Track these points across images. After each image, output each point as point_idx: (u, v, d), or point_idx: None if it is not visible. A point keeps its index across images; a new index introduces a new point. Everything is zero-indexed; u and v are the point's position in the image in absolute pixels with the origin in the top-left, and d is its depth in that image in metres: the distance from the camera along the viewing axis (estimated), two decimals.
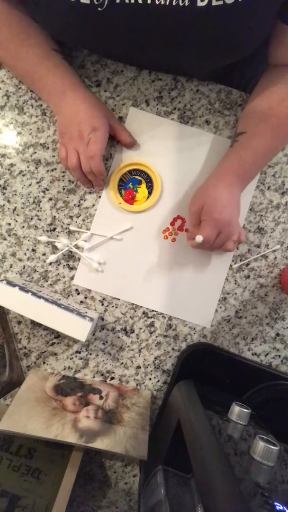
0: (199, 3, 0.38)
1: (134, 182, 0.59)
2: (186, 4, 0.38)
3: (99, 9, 0.40)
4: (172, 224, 0.60)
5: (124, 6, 0.40)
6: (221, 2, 0.38)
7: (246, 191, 0.59)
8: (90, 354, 0.61)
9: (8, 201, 0.60)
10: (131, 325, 0.61)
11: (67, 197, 0.60)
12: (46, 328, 0.60)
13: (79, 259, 0.60)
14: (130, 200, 0.59)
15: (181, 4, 0.39)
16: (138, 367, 0.61)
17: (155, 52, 0.48)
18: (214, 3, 0.38)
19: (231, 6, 0.38)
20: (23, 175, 0.60)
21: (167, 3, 0.39)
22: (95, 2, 0.40)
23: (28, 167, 0.60)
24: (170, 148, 0.59)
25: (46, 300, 0.51)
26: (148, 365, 0.61)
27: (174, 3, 0.39)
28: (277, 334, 0.61)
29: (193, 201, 0.54)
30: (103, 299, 0.61)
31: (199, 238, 0.50)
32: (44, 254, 0.60)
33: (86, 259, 0.59)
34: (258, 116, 0.53)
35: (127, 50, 0.50)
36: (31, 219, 0.60)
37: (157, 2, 0.39)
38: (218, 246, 0.54)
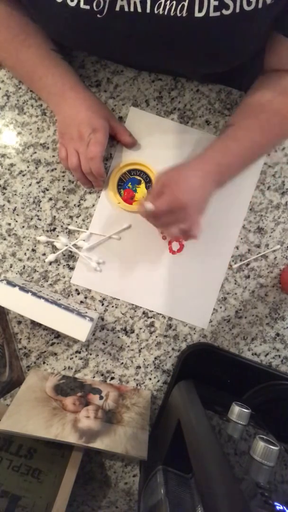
0: (197, 14, 0.39)
1: (133, 182, 0.59)
2: (184, 14, 0.39)
3: (98, 16, 0.40)
4: None
5: (123, 14, 0.40)
6: (218, 13, 0.38)
7: (246, 191, 0.60)
8: (90, 354, 0.61)
9: (8, 201, 0.60)
10: (131, 325, 0.61)
11: (67, 197, 0.60)
12: (46, 328, 0.60)
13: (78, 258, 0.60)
14: (129, 200, 0.59)
15: (178, 14, 0.39)
16: (138, 367, 0.61)
17: (153, 59, 0.49)
18: (211, 14, 0.38)
19: (229, 17, 0.39)
20: (23, 175, 0.60)
21: (165, 13, 0.39)
22: (95, 9, 0.40)
23: (28, 167, 0.60)
24: (169, 149, 0.59)
25: (46, 300, 0.51)
26: (148, 365, 0.61)
27: (172, 13, 0.39)
28: (277, 334, 0.61)
29: (164, 172, 0.51)
30: (103, 299, 0.61)
31: (148, 205, 0.47)
32: (44, 254, 0.60)
33: (85, 259, 0.59)
34: (248, 111, 0.52)
35: (125, 55, 0.50)
36: (31, 219, 0.60)
37: (155, 12, 0.40)
38: (162, 225, 0.51)
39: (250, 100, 0.53)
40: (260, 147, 0.53)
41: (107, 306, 0.61)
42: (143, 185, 0.59)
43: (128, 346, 0.61)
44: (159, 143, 0.59)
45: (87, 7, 0.40)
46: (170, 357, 0.61)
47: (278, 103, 0.50)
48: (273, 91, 0.51)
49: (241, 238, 0.60)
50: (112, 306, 0.61)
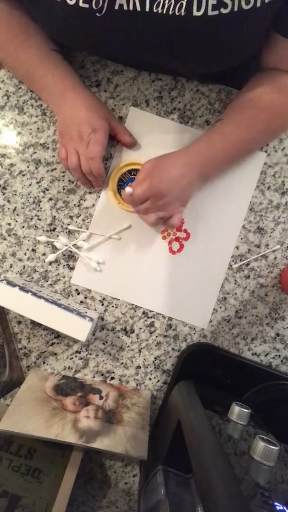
0: (195, 13, 0.39)
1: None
2: (183, 13, 0.39)
3: (97, 14, 0.40)
4: None
5: (122, 13, 0.40)
6: (216, 12, 0.38)
7: (246, 191, 0.59)
8: (90, 354, 0.61)
9: (8, 201, 0.60)
10: (131, 325, 0.61)
11: (67, 197, 0.60)
12: (46, 328, 0.60)
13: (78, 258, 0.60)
14: None
15: (177, 13, 0.39)
16: (138, 367, 0.61)
17: (152, 57, 0.49)
18: (210, 13, 0.39)
19: (227, 15, 0.39)
20: (23, 175, 0.60)
21: (164, 12, 0.40)
22: (94, 8, 0.40)
23: (28, 167, 0.60)
24: (170, 149, 0.59)
25: (46, 300, 0.51)
26: (148, 365, 0.61)
27: (170, 12, 0.39)
28: (277, 334, 0.61)
29: (150, 159, 0.52)
30: (103, 299, 0.61)
31: (128, 189, 0.50)
32: (44, 254, 0.60)
33: (85, 259, 0.59)
34: (237, 106, 0.53)
35: (125, 54, 0.50)
36: (31, 219, 0.60)
37: (154, 10, 0.40)
38: (141, 211, 0.53)
39: (242, 96, 0.53)
40: (246, 143, 0.54)
41: (107, 306, 0.61)
42: None
43: (128, 346, 0.61)
44: (159, 143, 0.59)
45: (86, 5, 0.40)
46: (170, 357, 0.61)
47: (268, 101, 0.51)
48: (266, 88, 0.51)
49: (241, 238, 0.60)
50: (112, 306, 0.61)
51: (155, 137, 0.59)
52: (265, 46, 0.50)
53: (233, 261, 0.60)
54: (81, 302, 0.61)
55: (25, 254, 0.60)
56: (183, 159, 0.51)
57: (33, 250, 0.60)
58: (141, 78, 0.59)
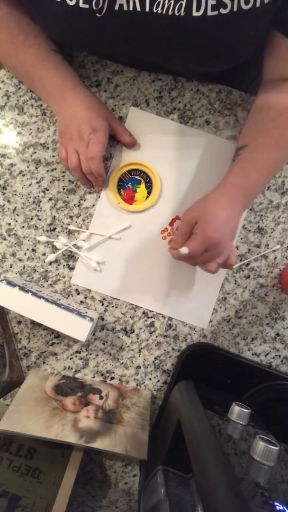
0: (195, 13, 0.39)
1: (133, 182, 0.59)
2: (182, 13, 0.39)
3: (97, 15, 0.40)
4: (170, 224, 0.60)
5: (123, 13, 0.40)
6: (216, 13, 0.39)
7: None
8: (90, 354, 0.61)
9: (8, 201, 0.60)
10: (131, 325, 0.61)
11: (67, 197, 0.60)
12: (46, 328, 0.60)
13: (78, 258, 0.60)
14: (129, 200, 0.59)
15: (177, 13, 0.39)
16: (138, 367, 0.61)
17: (152, 57, 0.49)
18: (209, 13, 0.39)
19: (226, 15, 0.39)
20: (23, 175, 0.60)
21: (164, 12, 0.40)
22: (94, 8, 0.40)
23: (28, 167, 0.60)
24: (170, 149, 0.59)
25: (46, 300, 0.51)
26: (148, 365, 0.61)
27: (170, 12, 0.39)
28: (277, 334, 0.61)
29: (190, 210, 0.50)
30: (103, 299, 0.61)
31: (184, 250, 0.46)
32: (44, 254, 0.60)
33: (85, 259, 0.59)
34: (259, 129, 0.51)
35: (125, 54, 0.50)
36: (31, 219, 0.60)
37: (154, 11, 0.40)
38: (200, 263, 0.50)
39: (258, 117, 0.52)
40: (278, 162, 0.52)
41: (107, 306, 0.61)
42: (143, 185, 0.59)
43: (128, 346, 0.61)
44: (159, 143, 0.59)
45: (86, 6, 0.40)
46: (170, 357, 0.61)
47: None
48: (281, 104, 0.50)
49: (241, 238, 0.60)
50: (112, 306, 0.61)
51: (155, 137, 0.59)
52: (269, 53, 0.49)
53: None
54: (81, 302, 0.61)
55: (25, 254, 0.60)
56: (226, 200, 0.48)
57: (33, 250, 0.60)
58: (141, 78, 0.59)
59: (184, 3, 0.38)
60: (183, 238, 0.49)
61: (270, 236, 0.60)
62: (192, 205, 0.51)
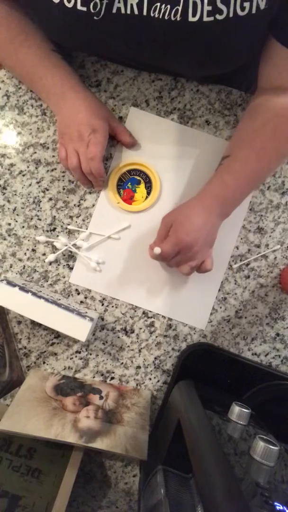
0: (191, 18, 0.39)
1: (133, 182, 0.59)
2: (178, 18, 0.39)
3: (95, 18, 0.41)
4: None
5: (120, 17, 0.40)
6: (212, 18, 0.39)
7: None
8: (90, 354, 0.61)
9: (8, 201, 0.60)
10: (131, 325, 0.61)
11: (67, 197, 0.60)
12: (46, 328, 0.60)
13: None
14: (129, 200, 0.59)
15: (173, 18, 0.40)
16: (138, 367, 0.61)
17: (150, 60, 0.49)
18: (205, 19, 0.39)
19: (222, 21, 0.39)
20: (23, 175, 0.60)
21: (161, 16, 0.40)
22: (92, 11, 0.40)
23: (28, 167, 0.60)
24: (169, 149, 0.59)
25: (46, 300, 0.51)
26: (148, 365, 0.61)
27: (166, 17, 0.40)
28: (277, 334, 0.61)
29: (169, 213, 0.53)
30: (103, 299, 0.61)
31: (157, 250, 0.50)
32: (44, 254, 0.60)
33: (84, 259, 0.59)
34: (242, 139, 0.52)
35: (123, 56, 0.50)
36: (31, 219, 0.60)
37: (151, 15, 0.40)
38: (174, 265, 0.53)
39: (243, 127, 0.52)
40: (259, 174, 0.53)
41: (107, 306, 0.61)
42: (142, 185, 0.59)
43: (128, 346, 0.61)
44: (159, 143, 0.59)
45: (84, 8, 0.40)
46: (170, 357, 0.61)
47: (272, 128, 0.49)
48: (267, 114, 0.50)
49: (241, 238, 0.60)
50: (112, 306, 0.61)
51: (155, 137, 0.59)
52: (265, 61, 0.49)
53: (233, 261, 0.60)
54: (81, 302, 0.61)
55: (25, 254, 0.60)
56: (201, 207, 0.50)
57: (33, 250, 0.60)
58: (141, 78, 0.59)
59: (180, 8, 0.39)
60: (160, 239, 0.53)
61: (270, 236, 0.60)
62: (173, 208, 0.54)
